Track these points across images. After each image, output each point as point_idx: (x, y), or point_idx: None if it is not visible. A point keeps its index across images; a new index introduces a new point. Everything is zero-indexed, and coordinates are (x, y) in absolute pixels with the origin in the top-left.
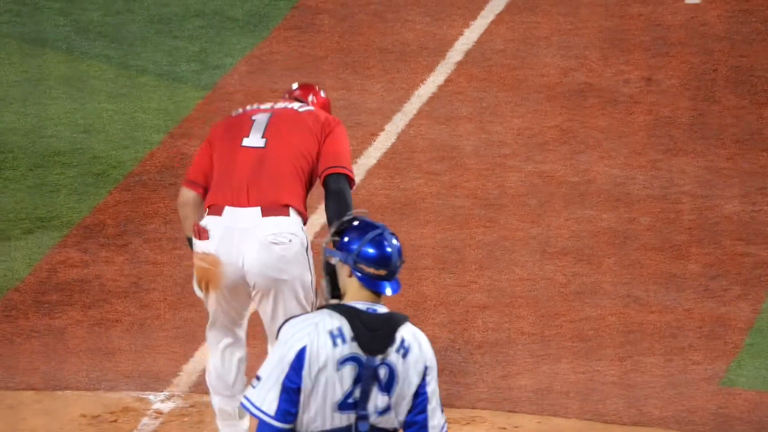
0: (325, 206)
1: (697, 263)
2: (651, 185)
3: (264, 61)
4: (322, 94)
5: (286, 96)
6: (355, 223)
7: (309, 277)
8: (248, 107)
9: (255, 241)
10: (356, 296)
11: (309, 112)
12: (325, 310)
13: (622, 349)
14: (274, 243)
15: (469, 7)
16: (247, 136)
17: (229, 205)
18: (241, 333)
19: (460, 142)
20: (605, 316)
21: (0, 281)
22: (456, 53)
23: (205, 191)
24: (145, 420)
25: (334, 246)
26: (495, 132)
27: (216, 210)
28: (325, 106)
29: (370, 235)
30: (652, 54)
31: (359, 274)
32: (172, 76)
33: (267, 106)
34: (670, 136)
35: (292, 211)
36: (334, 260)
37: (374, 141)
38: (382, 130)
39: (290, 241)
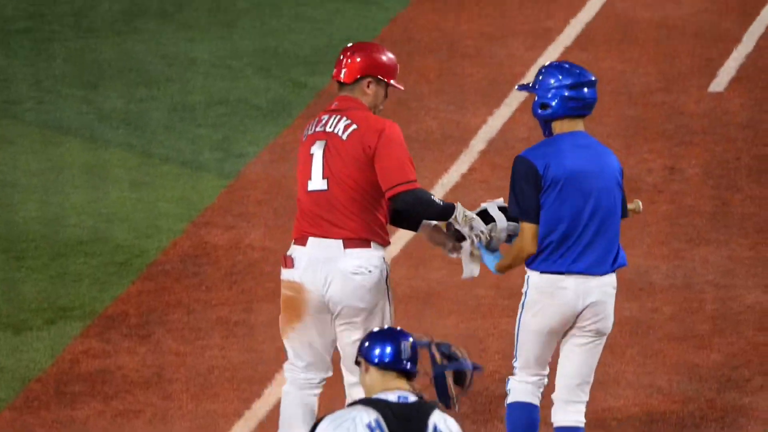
0: (399, 224)
1: (720, 353)
2: (674, 275)
3: (287, 150)
4: (358, 59)
5: (336, 104)
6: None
7: (388, 306)
8: (313, 125)
9: (338, 272)
10: (384, 386)
11: (352, 135)
12: (359, 405)
13: None
14: (356, 274)
15: (492, 95)
16: (311, 179)
17: (313, 236)
18: (320, 373)
19: None
20: (628, 407)
21: (22, 371)
22: (479, 141)
23: None
24: None
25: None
26: None
27: (301, 241)
28: (367, 66)
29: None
30: (676, 143)
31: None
32: (195, 164)
33: (323, 123)
34: (693, 225)
35: (372, 243)
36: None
37: (398, 230)
38: None
39: (370, 272)
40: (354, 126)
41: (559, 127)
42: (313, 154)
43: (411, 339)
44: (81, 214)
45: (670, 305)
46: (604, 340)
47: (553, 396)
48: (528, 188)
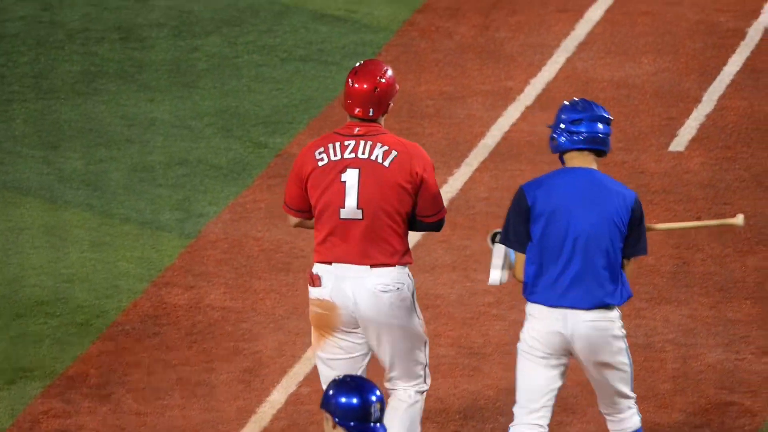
0: (419, 231)
1: (681, 412)
2: (635, 333)
3: (248, 209)
4: (384, 78)
5: (358, 129)
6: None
7: (416, 321)
8: (331, 151)
9: (366, 290)
10: None
11: (395, 161)
12: None
13: None
14: (383, 291)
15: (452, 155)
16: (343, 207)
17: (338, 263)
18: None
19: (443, 291)
20: None
21: None
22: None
23: (305, 214)
24: None
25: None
26: (479, 280)
27: (327, 262)
28: (387, 95)
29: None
30: None
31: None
32: (156, 224)
33: (350, 149)
34: (654, 285)
35: (397, 265)
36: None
37: None
38: None
39: (398, 289)
40: (394, 152)
41: (569, 161)
42: (345, 182)
43: (379, 394)
44: (41, 274)
45: None
46: (617, 365)
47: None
48: (516, 218)
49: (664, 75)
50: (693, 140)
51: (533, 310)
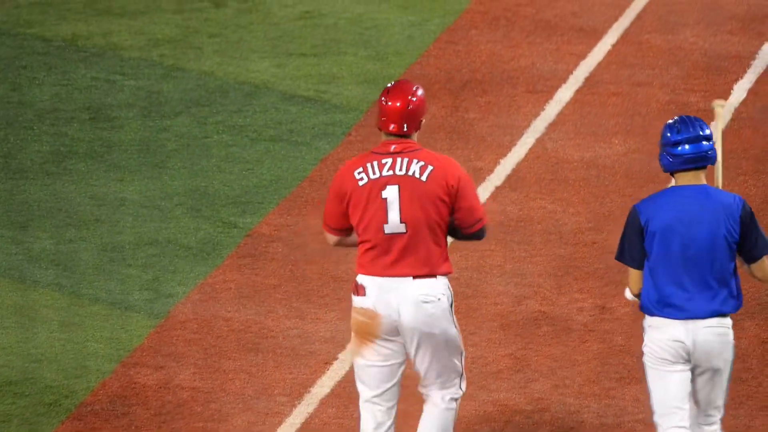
0: (462, 240)
1: None
2: (605, 413)
3: (217, 290)
4: (410, 107)
5: (394, 147)
6: None
7: (454, 330)
8: (370, 170)
9: (408, 300)
10: None
11: (432, 176)
12: None
13: None
14: (425, 302)
15: None
16: (387, 223)
17: (381, 276)
18: (392, 409)
19: (412, 371)
20: None
21: None
22: None
23: (345, 233)
24: None
25: None
26: None
27: (371, 274)
28: (419, 112)
29: None
30: (606, 282)
31: None
32: (125, 304)
33: (387, 166)
34: (624, 364)
35: (438, 275)
36: None
37: (328, 370)
38: (336, 358)
39: (439, 299)
40: (431, 167)
41: (678, 179)
42: (386, 198)
43: None
44: (9, 354)
45: None
46: (721, 373)
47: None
48: (632, 235)
49: (635, 156)
50: None
51: (654, 322)
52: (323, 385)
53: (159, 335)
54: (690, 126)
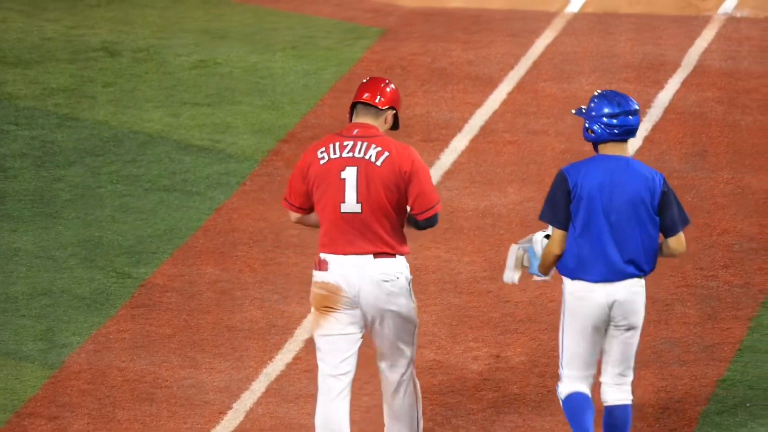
0: (413, 228)
1: None
2: None
3: (111, 339)
4: (388, 89)
5: (356, 131)
6: None
7: (411, 305)
8: (331, 150)
9: (368, 279)
10: None
11: (386, 161)
12: None
13: None
14: (385, 281)
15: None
16: (344, 202)
17: (342, 254)
18: (349, 375)
19: (309, 421)
20: None
21: None
22: (303, 331)
23: (305, 211)
24: None
25: None
26: None
27: (334, 252)
28: (395, 98)
29: None
30: (501, 331)
31: None
32: (18, 354)
33: (348, 149)
34: (519, 413)
35: (397, 255)
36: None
37: (222, 419)
38: (230, 408)
39: (397, 278)
40: (387, 153)
41: (603, 148)
42: (345, 179)
43: None
44: None
45: None
46: (637, 332)
47: (601, 379)
48: (559, 198)
49: (530, 204)
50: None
51: (575, 286)
52: None
53: (53, 385)
54: (628, 100)
